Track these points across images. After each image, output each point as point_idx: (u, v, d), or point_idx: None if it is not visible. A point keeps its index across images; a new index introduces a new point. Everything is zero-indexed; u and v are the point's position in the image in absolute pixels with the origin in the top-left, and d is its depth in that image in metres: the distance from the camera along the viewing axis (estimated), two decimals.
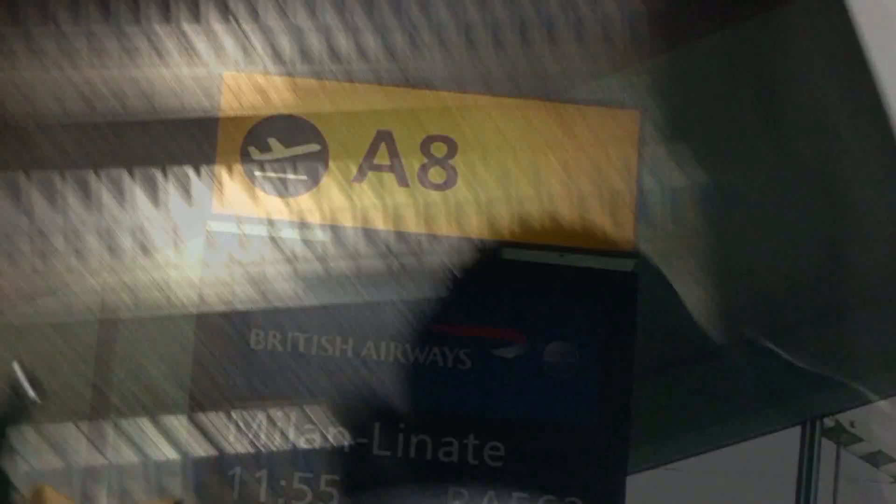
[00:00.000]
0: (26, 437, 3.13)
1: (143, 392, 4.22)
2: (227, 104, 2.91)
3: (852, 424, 4.89)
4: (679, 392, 4.96)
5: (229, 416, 2.64)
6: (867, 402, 4.87)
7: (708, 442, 5.23)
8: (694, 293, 4.82)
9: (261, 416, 2.64)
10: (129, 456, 3.42)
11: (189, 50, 3.93)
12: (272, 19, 2.94)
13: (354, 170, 2.88)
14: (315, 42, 2.96)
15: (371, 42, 2.95)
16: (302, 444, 2.65)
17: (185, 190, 3.97)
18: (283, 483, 2.60)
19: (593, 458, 2.73)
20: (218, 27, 2.95)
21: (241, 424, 2.64)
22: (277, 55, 2.93)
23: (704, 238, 4.60)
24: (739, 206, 4.47)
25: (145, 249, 4.03)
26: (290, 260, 2.83)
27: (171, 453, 2.97)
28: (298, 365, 2.72)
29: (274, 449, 2.64)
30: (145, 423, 4.07)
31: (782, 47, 4.10)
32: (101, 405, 3.32)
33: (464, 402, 2.73)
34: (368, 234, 2.87)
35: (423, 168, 2.89)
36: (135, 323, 3.74)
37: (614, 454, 2.75)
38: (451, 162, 2.89)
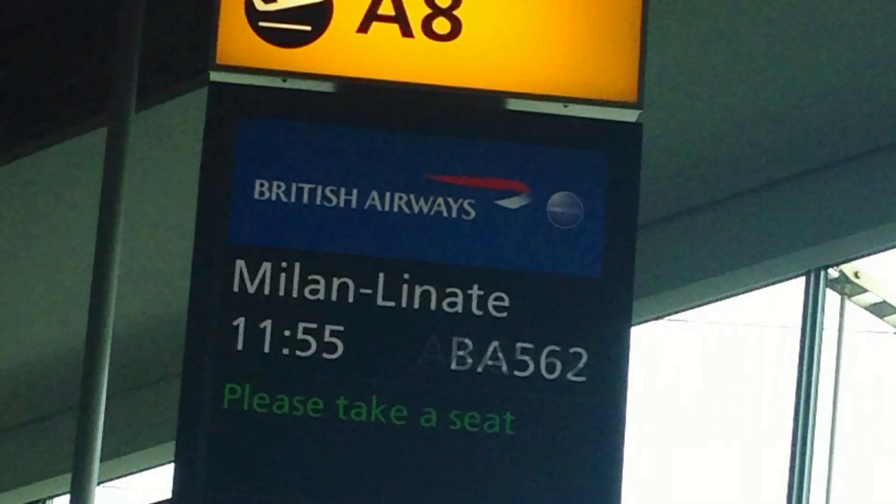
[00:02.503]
0: None
1: None
2: None
3: (857, 275, 4.90)
4: (684, 242, 4.98)
5: (233, 264, 2.64)
6: (872, 252, 4.88)
7: (713, 292, 5.26)
8: (699, 143, 4.80)
9: (265, 266, 2.65)
10: None
11: None
12: None
13: (358, 20, 2.84)
14: None
15: None
16: (307, 294, 2.66)
17: None
18: (287, 333, 2.62)
19: (597, 309, 2.73)
20: None
21: (246, 273, 2.64)
22: None
23: (709, 87, 4.55)
24: (745, 56, 4.41)
25: None
26: (293, 111, 2.80)
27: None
28: (302, 215, 2.71)
29: (278, 299, 2.65)
30: None
31: None
32: None
33: (468, 252, 2.73)
34: (372, 85, 2.84)
35: (428, 18, 2.84)
36: None
37: (618, 305, 2.76)
38: (455, 12, 2.84)
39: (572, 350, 2.68)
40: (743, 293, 5.19)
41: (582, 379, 2.66)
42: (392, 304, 2.67)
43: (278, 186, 2.70)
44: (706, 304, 5.29)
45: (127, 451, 6.29)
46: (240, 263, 2.64)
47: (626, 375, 2.71)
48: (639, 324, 4.36)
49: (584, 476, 2.63)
